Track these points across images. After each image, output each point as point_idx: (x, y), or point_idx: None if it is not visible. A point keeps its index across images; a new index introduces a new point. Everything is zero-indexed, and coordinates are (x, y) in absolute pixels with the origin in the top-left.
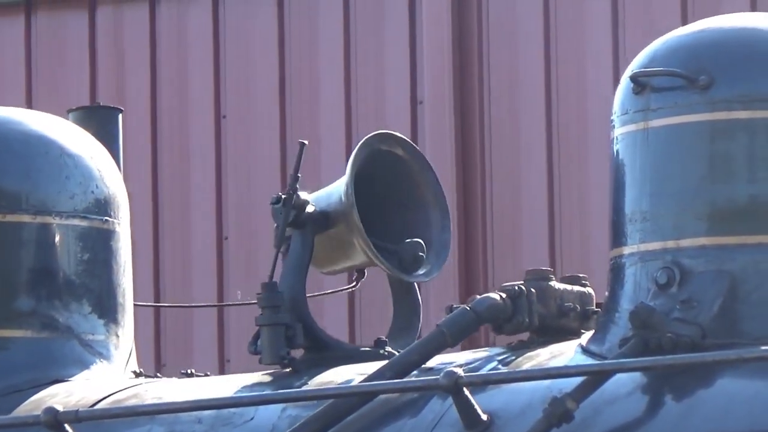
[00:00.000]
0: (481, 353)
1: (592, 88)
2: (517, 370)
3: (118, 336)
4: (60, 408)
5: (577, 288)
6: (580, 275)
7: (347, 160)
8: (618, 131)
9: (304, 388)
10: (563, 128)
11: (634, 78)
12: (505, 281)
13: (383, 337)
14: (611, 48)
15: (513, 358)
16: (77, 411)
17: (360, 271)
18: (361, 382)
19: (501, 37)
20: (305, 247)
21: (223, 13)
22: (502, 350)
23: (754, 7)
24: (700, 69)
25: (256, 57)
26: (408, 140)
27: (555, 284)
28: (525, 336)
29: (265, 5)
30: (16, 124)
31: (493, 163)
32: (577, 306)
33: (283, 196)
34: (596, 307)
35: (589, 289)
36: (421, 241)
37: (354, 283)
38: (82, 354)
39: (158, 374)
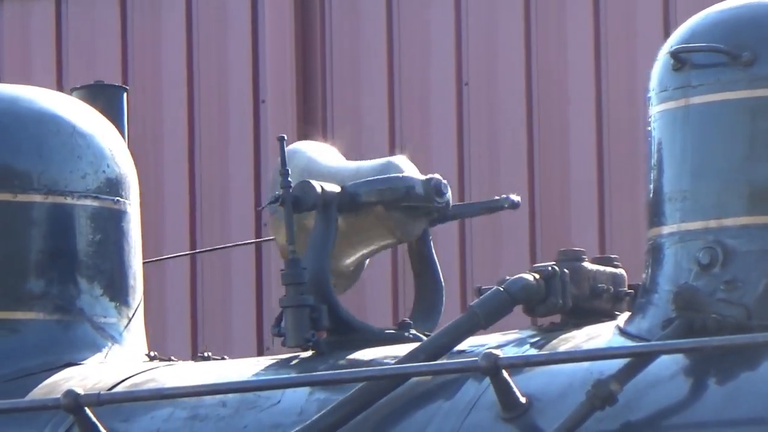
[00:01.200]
0: (512, 335)
1: (435, 78)
2: (558, 351)
3: (129, 319)
4: (80, 391)
5: (609, 269)
6: (612, 256)
7: None
8: (656, 108)
9: (334, 370)
10: (407, 119)
11: (674, 54)
12: None
13: (408, 319)
14: (453, 39)
15: (546, 340)
16: (99, 394)
17: None
18: (394, 364)
19: (343, 37)
20: (329, 224)
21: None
22: (533, 332)
23: None
24: (743, 45)
25: None
26: None
27: (587, 265)
28: (556, 318)
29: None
30: (27, 102)
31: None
32: (610, 287)
33: (279, 196)
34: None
35: (621, 270)
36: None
37: None
38: (95, 337)
39: (172, 357)
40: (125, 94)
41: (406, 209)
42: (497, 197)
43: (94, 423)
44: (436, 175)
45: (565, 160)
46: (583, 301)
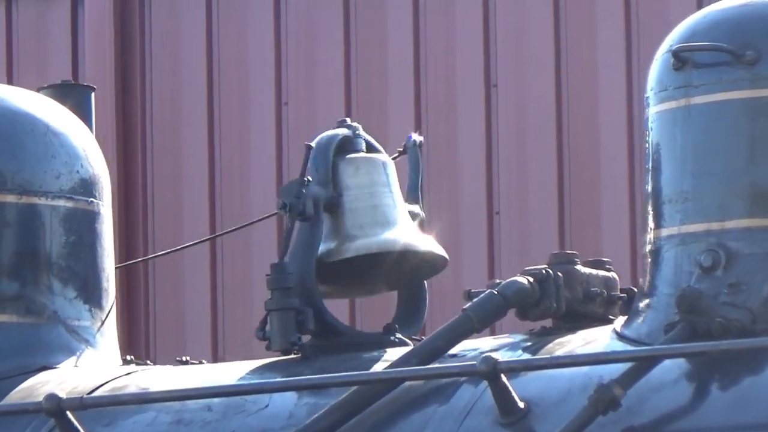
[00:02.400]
0: (504, 340)
1: (254, 67)
2: (560, 355)
3: (102, 322)
4: (63, 395)
5: (602, 272)
6: (604, 259)
7: None
8: (655, 109)
9: (325, 374)
10: (225, 109)
11: (675, 53)
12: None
13: (393, 323)
14: (272, 22)
15: (541, 344)
16: (81, 398)
17: None
18: (386, 368)
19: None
20: (315, 226)
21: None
22: (526, 337)
23: None
24: (746, 44)
25: None
26: None
27: (581, 268)
28: (547, 323)
29: None
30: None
31: (155, 146)
32: (604, 291)
33: (288, 205)
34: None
35: (613, 274)
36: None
37: None
38: (69, 340)
39: (148, 362)
40: (93, 94)
41: None
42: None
43: (76, 427)
44: None
45: (595, 162)
46: (576, 305)
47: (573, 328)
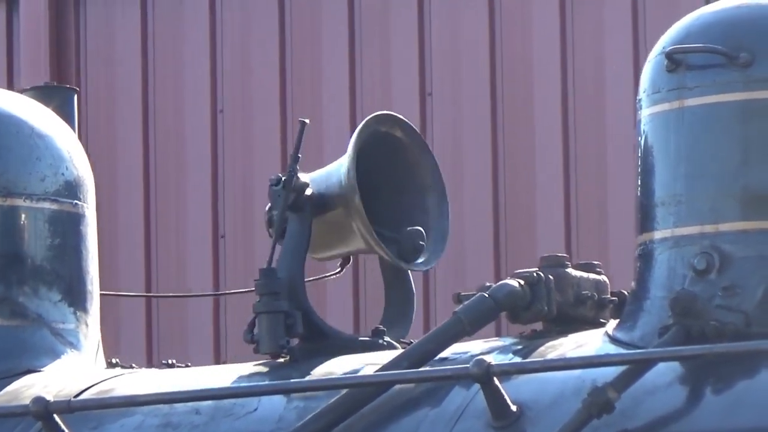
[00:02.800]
0: (494, 343)
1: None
2: (553, 358)
3: (87, 325)
4: (50, 398)
5: (592, 275)
6: (595, 262)
7: None
8: (647, 111)
9: (314, 377)
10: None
11: (669, 55)
12: None
13: (381, 327)
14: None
15: (532, 348)
16: (69, 401)
17: (346, 258)
18: (377, 371)
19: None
20: (303, 231)
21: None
22: (516, 340)
23: None
24: (740, 46)
25: None
26: (408, 122)
27: (571, 271)
28: (536, 326)
29: None
30: None
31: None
32: (595, 294)
33: (283, 178)
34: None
35: (604, 277)
36: (422, 230)
37: (339, 270)
38: (54, 343)
39: (133, 365)
40: (76, 96)
41: None
42: None
43: (63, 431)
44: None
45: (602, 163)
46: (567, 308)
47: (564, 332)
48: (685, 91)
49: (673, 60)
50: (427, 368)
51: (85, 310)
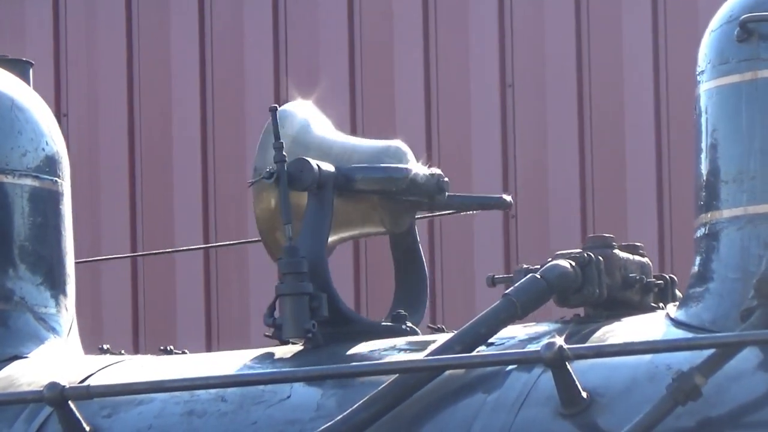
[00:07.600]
0: (540, 328)
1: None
2: (634, 341)
3: (66, 309)
4: (65, 383)
5: (637, 257)
6: (638, 244)
7: None
8: (713, 83)
9: (360, 363)
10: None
11: (743, 24)
12: None
13: (402, 311)
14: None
15: (587, 332)
16: (88, 386)
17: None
18: (428, 355)
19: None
20: (324, 206)
21: None
22: (560, 325)
23: None
24: None
25: None
26: None
27: (619, 252)
28: (578, 311)
29: None
30: None
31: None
32: (643, 277)
33: (273, 171)
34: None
35: (647, 259)
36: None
37: None
38: (37, 329)
39: (122, 351)
40: (31, 70)
41: (401, 201)
42: (493, 195)
43: (77, 419)
44: (438, 170)
45: (622, 159)
46: (614, 292)
47: (612, 316)
48: (759, 62)
49: (746, 29)
50: (492, 351)
51: (64, 293)
